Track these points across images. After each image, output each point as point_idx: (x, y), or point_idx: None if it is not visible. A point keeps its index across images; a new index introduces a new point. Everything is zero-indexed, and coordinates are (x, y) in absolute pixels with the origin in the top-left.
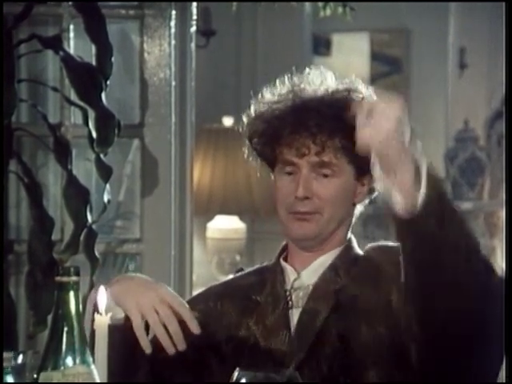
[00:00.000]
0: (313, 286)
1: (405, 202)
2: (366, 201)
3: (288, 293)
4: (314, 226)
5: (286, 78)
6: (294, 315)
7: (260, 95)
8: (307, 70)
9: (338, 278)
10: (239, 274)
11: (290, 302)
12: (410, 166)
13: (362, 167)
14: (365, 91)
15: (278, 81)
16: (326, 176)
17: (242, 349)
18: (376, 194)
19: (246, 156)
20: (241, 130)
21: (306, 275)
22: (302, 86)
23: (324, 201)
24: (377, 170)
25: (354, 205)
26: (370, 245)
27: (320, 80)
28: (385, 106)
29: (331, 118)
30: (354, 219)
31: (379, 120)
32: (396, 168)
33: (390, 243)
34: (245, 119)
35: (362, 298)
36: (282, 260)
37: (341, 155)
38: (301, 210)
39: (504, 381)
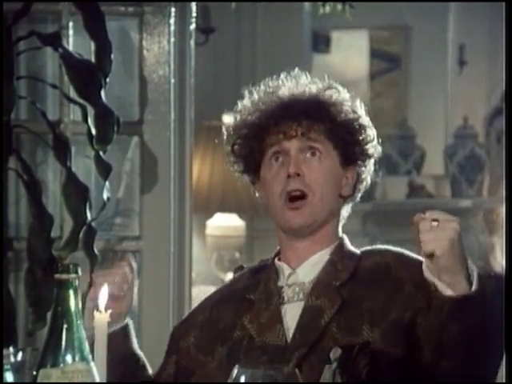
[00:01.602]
0: (314, 282)
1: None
2: (351, 201)
3: (282, 289)
4: (307, 213)
5: (261, 84)
6: (287, 310)
7: (239, 105)
8: (282, 75)
9: (338, 273)
10: (238, 273)
11: (284, 297)
12: (465, 272)
13: (346, 156)
14: (341, 89)
15: (252, 89)
16: (313, 155)
17: (238, 348)
18: (361, 193)
19: (228, 167)
20: (224, 140)
21: (301, 272)
22: (280, 88)
23: (314, 180)
24: (433, 269)
25: (342, 198)
26: (386, 247)
27: (295, 81)
28: (447, 218)
29: (314, 107)
30: (343, 218)
31: (444, 229)
32: (453, 272)
33: (411, 255)
34: (225, 131)
35: (369, 301)
36: (276, 260)
37: (325, 139)
38: (294, 188)
39: (504, 381)
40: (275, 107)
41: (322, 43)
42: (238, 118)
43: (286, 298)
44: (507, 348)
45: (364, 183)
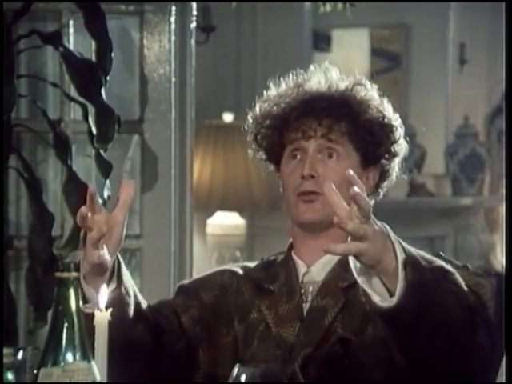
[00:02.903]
0: (322, 281)
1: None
2: (373, 199)
3: (302, 285)
4: (319, 207)
5: (290, 75)
6: (306, 309)
7: (265, 93)
8: (311, 67)
9: (347, 274)
10: (246, 266)
11: (303, 296)
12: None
13: (367, 156)
14: (369, 86)
15: (282, 80)
16: (331, 157)
17: (254, 333)
18: (384, 191)
19: (250, 155)
20: (246, 128)
21: (315, 270)
22: (308, 81)
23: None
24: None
25: None
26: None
27: (325, 75)
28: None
29: (338, 104)
30: None
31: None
32: (378, 263)
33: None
34: (250, 118)
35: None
36: (293, 254)
37: (347, 140)
38: (307, 189)
39: (504, 381)
40: (300, 101)
41: (322, 42)
42: (264, 107)
43: (304, 297)
44: (507, 348)
45: (387, 181)
